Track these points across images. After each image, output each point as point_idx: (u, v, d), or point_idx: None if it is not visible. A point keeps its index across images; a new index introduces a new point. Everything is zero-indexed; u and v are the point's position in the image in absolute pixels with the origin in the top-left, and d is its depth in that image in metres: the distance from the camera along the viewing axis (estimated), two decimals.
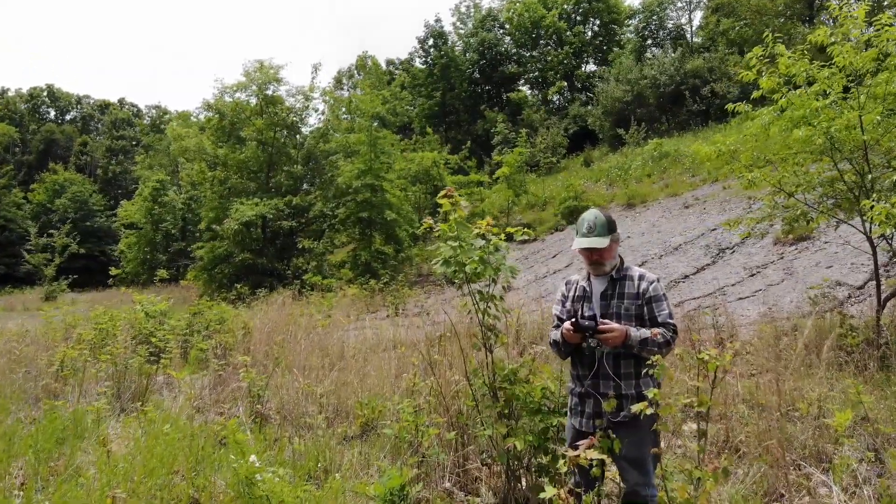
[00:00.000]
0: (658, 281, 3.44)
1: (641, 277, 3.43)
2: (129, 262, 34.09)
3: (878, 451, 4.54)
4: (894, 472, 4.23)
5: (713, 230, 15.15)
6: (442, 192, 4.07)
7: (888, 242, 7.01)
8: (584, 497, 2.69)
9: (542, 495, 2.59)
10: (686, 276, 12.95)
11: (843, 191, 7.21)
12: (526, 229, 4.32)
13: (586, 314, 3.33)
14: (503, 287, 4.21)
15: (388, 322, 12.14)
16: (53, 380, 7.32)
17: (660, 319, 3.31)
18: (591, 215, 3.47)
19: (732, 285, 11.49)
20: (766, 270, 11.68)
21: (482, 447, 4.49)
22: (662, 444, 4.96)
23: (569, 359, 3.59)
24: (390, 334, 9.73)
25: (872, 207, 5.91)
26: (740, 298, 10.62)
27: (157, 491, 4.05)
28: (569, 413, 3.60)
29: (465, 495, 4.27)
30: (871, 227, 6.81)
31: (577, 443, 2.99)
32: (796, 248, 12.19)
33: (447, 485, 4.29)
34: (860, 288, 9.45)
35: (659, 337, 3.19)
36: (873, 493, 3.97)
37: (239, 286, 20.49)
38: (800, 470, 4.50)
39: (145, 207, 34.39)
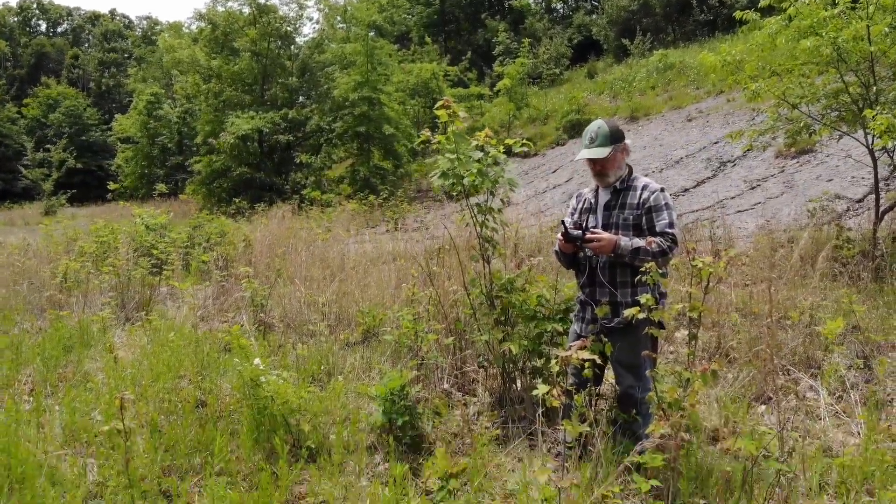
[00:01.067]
0: (662, 190, 3.39)
1: (645, 187, 3.39)
2: (126, 177, 33.88)
3: (867, 359, 4.65)
4: (882, 379, 4.36)
5: (715, 143, 14.98)
6: (439, 103, 4.00)
7: (889, 155, 6.97)
8: (576, 396, 2.79)
9: (534, 392, 2.68)
10: (686, 190, 12.92)
11: (847, 103, 7.12)
12: (525, 141, 4.27)
13: (590, 225, 3.37)
14: (502, 201, 4.21)
15: (387, 236, 12.20)
16: (57, 291, 7.43)
17: (657, 229, 3.28)
18: (594, 126, 3.43)
19: (732, 198, 11.48)
20: (767, 183, 11.64)
21: (479, 351, 4.61)
22: None
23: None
24: (390, 248, 9.80)
25: (875, 118, 5.85)
26: (739, 211, 10.64)
27: (165, 394, 4.19)
28: (573, 318, 3.69)
29: (463, 395, 4.43)
30: (872, 140, 6.75)
31: (571, 344, 3.08)
32: (798, 162, 12.09)
33: (446, 386, 4.44)
34: (860, 201, 9.43)
35: (654, 245, 3.18)
36: (860, 398, 4.09)
37: (238, 200, 20.45)
38: (789, 375, 4.62)
39: (140, 121, 33.83)
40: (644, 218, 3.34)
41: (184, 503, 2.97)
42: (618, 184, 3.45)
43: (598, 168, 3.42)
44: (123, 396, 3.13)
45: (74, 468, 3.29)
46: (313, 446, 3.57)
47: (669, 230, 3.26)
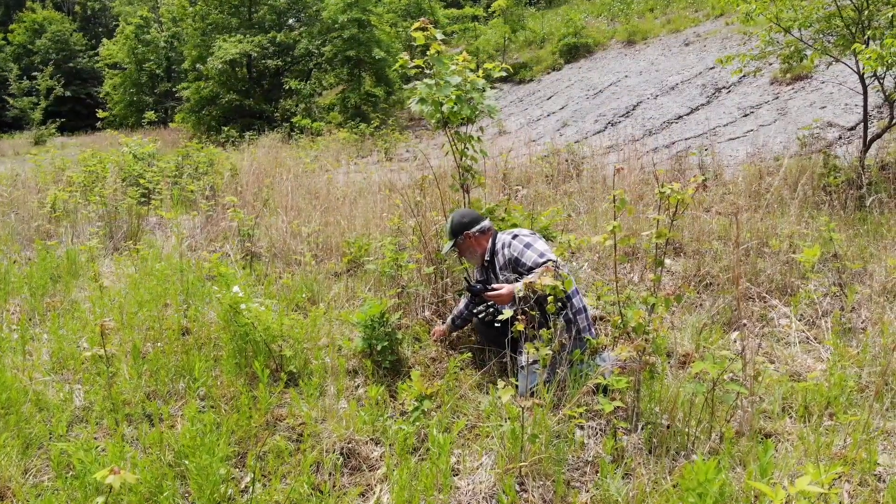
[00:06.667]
0: (514, 238, 3.62)
1: (503, 246, 3.65)
2: (115, 105, 33.17)
3: (842, 287, 4.67)
4: (856, 307, 4.43)
5: (711, 69, 14.69)
6: (415, 25, 3.90)
7: (879, 82, 6.85)
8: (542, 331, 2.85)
9: (499, 318, 2.75)
10: (679, 117, 12.75)
11: (839, 27, 6.94)
12: (505, 65, 4.19)
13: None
14: (481, 129, 4.17)
15: (377, 167, 12.12)
16: (46, 221, 7.42)
17: (534, 269, 3.45)
18: (448, 221, 3.88)
19: (725, 126, 11.35)
20: (760, 110, 11.48)
21: (458, 280, 4.68)
22: (635, 278, 5.18)
23: None
24: (378, 178, 9.75)
25: (864, 50, 5.73)
26: (731, 139, 10.54)
27: (151, 322, 4.26)
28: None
29: (443, 323, 4.51)
30: (862, 66, 6.63)
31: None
32: (792, 88, 11.89)
33: (427, 314, 4.52)
34: (851, 129, 9.34)
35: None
36: (832, 325, 4.14)
37: (227, 129, 20.17)
38: (765, 302, 4.70)
39: (128, 46, 32.82)
40: (519, 269, 3.56)
41: (167, 426, 3.07)
42: (487, 256, 3.78)
43: (459, 257, 4.00)
44: (104, 323, 3.20)
45: (61, 394, 3.38)
46: (295, 371, 3.67)
47: (541, 260, 3.43)
